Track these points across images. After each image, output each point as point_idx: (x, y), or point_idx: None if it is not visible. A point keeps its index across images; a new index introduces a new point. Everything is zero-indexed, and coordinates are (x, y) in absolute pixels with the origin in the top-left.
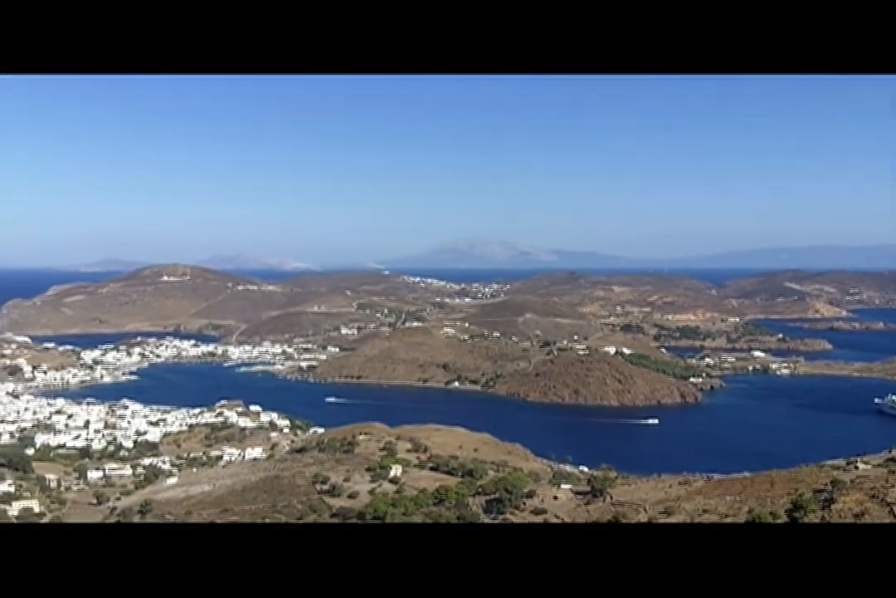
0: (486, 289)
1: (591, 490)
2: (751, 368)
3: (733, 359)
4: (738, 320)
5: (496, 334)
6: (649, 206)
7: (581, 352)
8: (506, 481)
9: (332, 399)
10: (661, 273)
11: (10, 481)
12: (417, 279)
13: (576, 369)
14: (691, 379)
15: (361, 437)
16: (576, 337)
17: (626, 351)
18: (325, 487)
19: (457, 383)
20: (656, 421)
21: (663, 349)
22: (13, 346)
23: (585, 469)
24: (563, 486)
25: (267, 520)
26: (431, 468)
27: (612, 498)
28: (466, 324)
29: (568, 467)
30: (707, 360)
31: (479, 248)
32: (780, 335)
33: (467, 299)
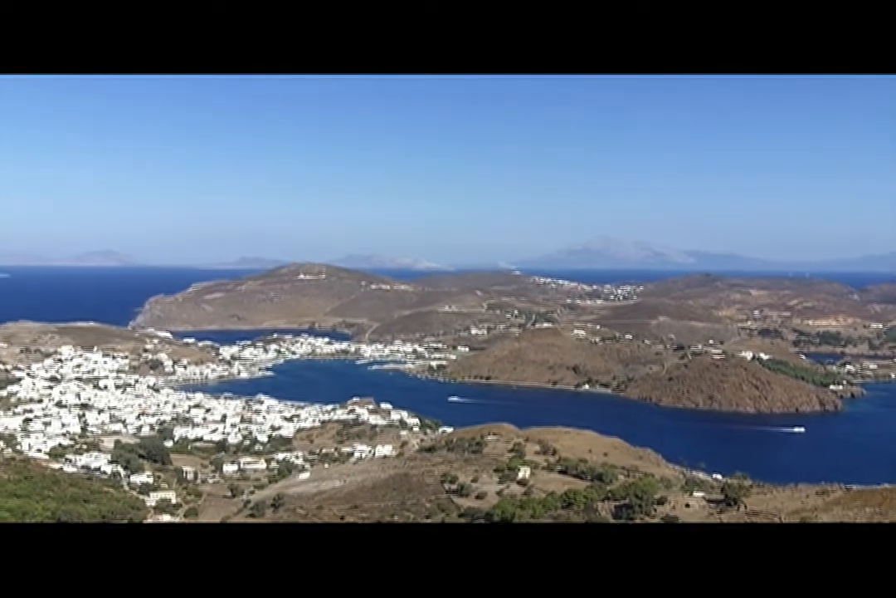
0: (619, 290)
1: (724, 498)
2: (893, 375)
3: (875, 366)
4: (881, 326)
5: (628, 336)
6: (788, 206)
7: (716, 356)
8: (636, 486)
9: (455, 399)
10: (802, 276)
11: (148, 473)
12: (548, 280)
13: (711, 374)
14: (831, 386)
15: (490, 438)
16: (711, 341)
17: (764, 356)
18: (454, 486)
19: (587, 386)
20: (802, 430)
21: (802, 355)
22: (155, 341)
23: (719, 477)
24: (695, 493)
25: (395, 518)
26: (560, 471)
27: (746, 507)
28: (598, 326)
29: (701, 475)
30: (848, 367)
31: (613, 248)
32: None
33: (599, 301)
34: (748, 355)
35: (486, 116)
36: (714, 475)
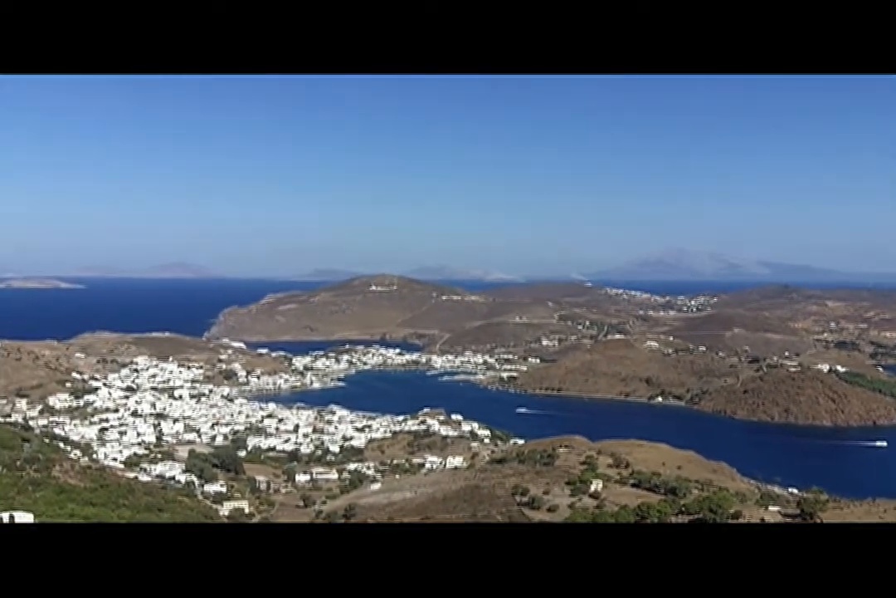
0: (692, 302)
1: (800, 513)
2: None
3: None
4: None
5: (702, 348)
6: (868, 214)
7: (792, 369)
8: (710, 500)
9: (523, 410)
10: (881, 288)
11: (222, 482)
12: (620, 291)
13: (786, 387)
14: None
15: (562, 450)
16: (787, 353)
17: (840, 369)
18: (525, 499)
19: (660, 399)
20: (885, 444)
21: (880, 368)
22: (229, 351)
23: (795, 491)
24: (770, 507)
25: None
26: (633, 485)
27: (821, 522)
28: (671, 338)
29: (776, 489)
30: None
31: (686, 260)
32: None
33: (672, 312)
34: (824, 367)
35: (560, 125)
36: (790, 490)
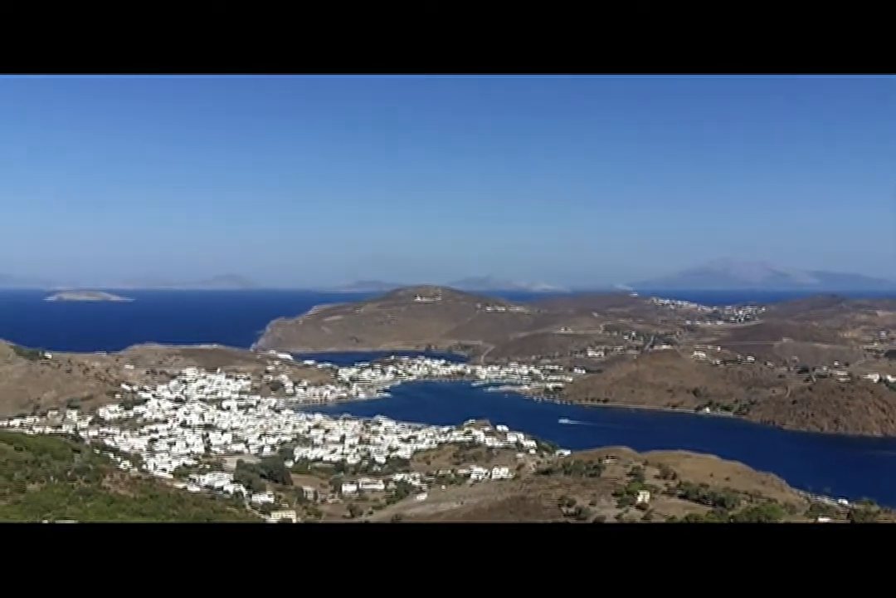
0: (740, 312)
1: (850, 524)
2: None
3: None
4: None
5: (750, 358)
6: None
7: (842, 379)
8: (759, 511)
9: (565, 421)
10: None
11: (270, 492)
12: (667, 301)
13: (836, 397)
14: None
15: (608, 461)
16: (836, 363)
17: (891, 379)
18: (571, 510)
19: (707, 409)
20: None
21: None
22: (276, 362)
23: (845, 502)
24: (820, 519)
25: None
26: (681, 496)
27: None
28: (718, 348)
29: (826, 500)
30: None
31: (734, 269)
32: None
33: (719, 322)
34: (874, 377)
35: (604, 136)
36: (840, 501)
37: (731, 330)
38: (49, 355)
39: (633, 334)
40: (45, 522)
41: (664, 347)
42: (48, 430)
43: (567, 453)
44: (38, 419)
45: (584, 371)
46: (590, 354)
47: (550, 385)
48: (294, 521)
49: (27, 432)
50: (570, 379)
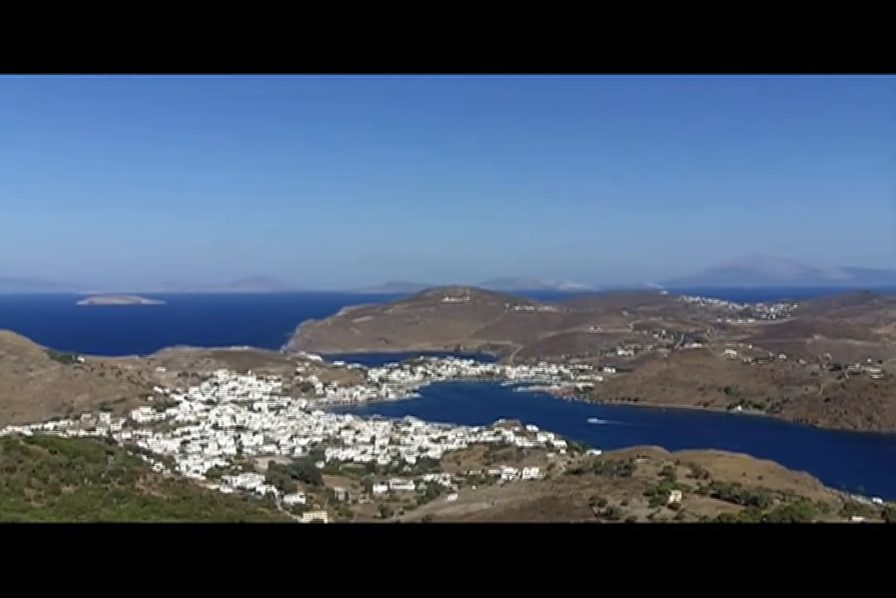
0: (771, 309)
1: (885, 523)
2: None
3: None
4: None
5: (782, 356)
6: None
7: (875, 376)
8: (792, 510)
9: (594, 420)
10: None
11: (301, 493)
12: (697, 299)
13: (869, 395)
14: None
15: (639, 460)
16: (869, 360)
17: None
18: (603, 510)
19: (739, 408)
20: None
21: None
22: (306, 364)
23: (879, 501)
24: (854, 518)
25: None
26: (713, 495)
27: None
28: (750, 346)
29: (860, 499)
30: None
31: (764, 266)
32: None
33: (751, 320)
34: None
35: (632, 135)
36: (874, 499)
37: (762, 327)
38: (82, 359)
39: (664, 332)
40: (45, 522)
41: (695, 345)
42: (82, 433)
43: (598, 452)
44: (71, 422)
45: (614, 370)
46: (620, 353)
47: (580, 385)
48: (325, 521)
49: (61, 435)
50: (600, 378)
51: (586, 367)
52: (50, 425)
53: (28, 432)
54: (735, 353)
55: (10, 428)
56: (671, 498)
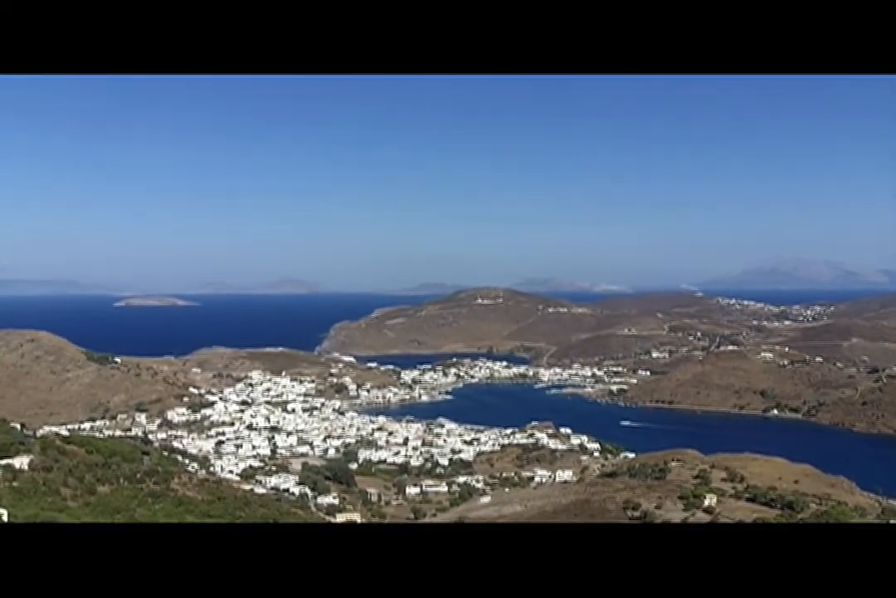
0: (808, 311)
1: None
2: None
3: None
4: None
5: (818, 359)
6: None
7: None
8: (829, 515)
9: (626, 423)
10: None
11: (334, 494)
12: (733, 301)
13: None
14: None
15: (674, 464)
16: None
17: None
18: (637, 513)
19: (775, 411)
20: None
21: None
22: (340, 365)
23: None
24: (892, 522)
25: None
26: (748, 499)
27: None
28: (786, 348)
29: None
30: None
31: (801, 268)
32: None
33: (787, 323)
34: None
35: (669, 135)
36: None
37: (799, 330)
38: (118, 360)
39: (699, 334)
40: (45, 522)
41: (730, 347)
42: (118, 433)
43: (632, 455)
44: (108, 423)
45: (648, 373)
46: (654, 355)
47: (614, 387)
48: (359, 522)
49: (98, 435)
50: (634, 381)
51: (620, 369)
52: (86, 426)
53: (65, 432)
54: (771, 355)
55: (47, 428)
56: (706, 502)
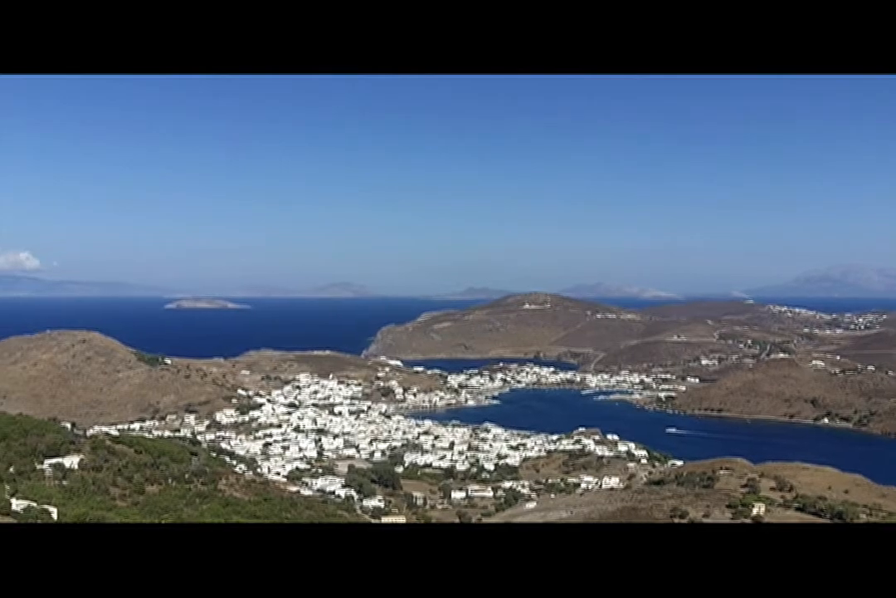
0: (860, 319)
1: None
2: None
3: None
4: None
5: (870, 367)
6: None
7: None
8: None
9: (672, 430)
10: None
11: (380, 497)
12: (784, 309)
13: None
14: None
15: (722, 472)
16: None
17: None
18: (684, 522)
19: (826, 420)
20: None
21: None
22: (386, 369)
23: None
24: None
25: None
26: (797, 508)
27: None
28: (837, 357)
29: None
30: None
31: (854, 275)
32: None
33: (839, 330)
34: None
35: (718, 138)
36: None
37: (850, 338)
38: (168, 361)
39: (749, 342)
40: (45, 522)
41: (781, 355)
42: (167, 433)
43: (679, 463)
44: (157, 423)
45: (697, 380)
46: (703, 362)
47: (662, 394)
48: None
49: (147, 435)
50: (683, 388)
51: (668, 376)
52: (136, 426)
53: (114, 432)
54: (822, 364)
55: (97, 428)
56: (754, 511)
